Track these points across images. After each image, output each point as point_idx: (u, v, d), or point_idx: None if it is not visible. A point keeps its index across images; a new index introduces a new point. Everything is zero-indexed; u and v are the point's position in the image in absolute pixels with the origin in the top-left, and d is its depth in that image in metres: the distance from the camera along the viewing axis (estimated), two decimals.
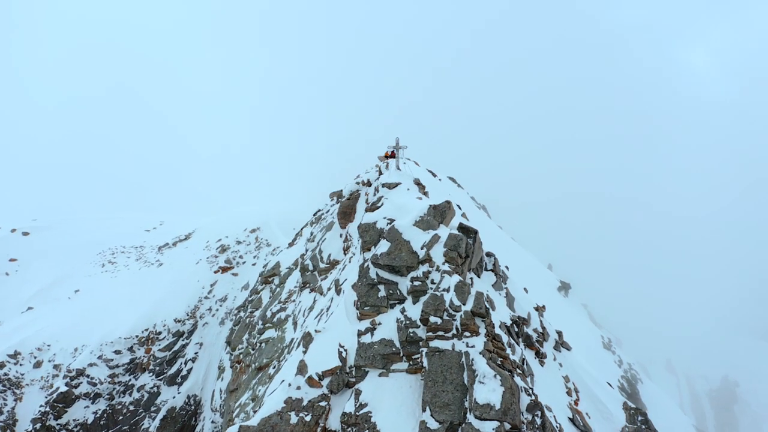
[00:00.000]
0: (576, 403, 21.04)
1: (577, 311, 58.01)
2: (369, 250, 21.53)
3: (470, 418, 15.00)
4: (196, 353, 55.19)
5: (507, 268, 26.51)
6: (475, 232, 20.86)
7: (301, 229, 43.44)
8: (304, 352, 19.38)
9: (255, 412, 22.03)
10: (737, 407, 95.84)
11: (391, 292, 19.17)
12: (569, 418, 19.74)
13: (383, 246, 19.76)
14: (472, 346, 16.55)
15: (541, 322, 22.95)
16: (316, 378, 17.87)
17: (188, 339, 55.97)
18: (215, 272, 63.73)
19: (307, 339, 19.90)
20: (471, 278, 20.39)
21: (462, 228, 20.97)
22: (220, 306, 59.78)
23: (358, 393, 17.32)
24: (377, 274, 19.54)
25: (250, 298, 46.86)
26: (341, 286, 23.42)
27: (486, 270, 22.49)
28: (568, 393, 21.28)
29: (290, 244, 40.40)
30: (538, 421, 15.94)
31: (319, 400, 17.52)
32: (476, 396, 15.16)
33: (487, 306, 17.58)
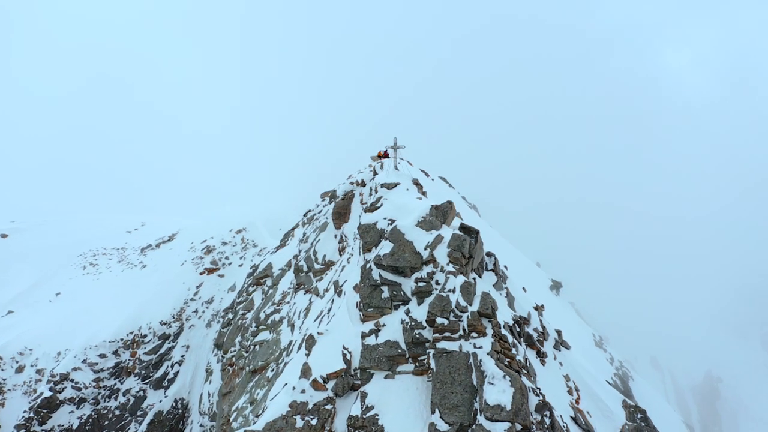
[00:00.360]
0: (577, 402, 21.10)
1: (568, 310, 58.55)
2: (370, 251, 21.37)
3: (480, 419, 14.92)
4: (182, 356, 54.42)
5: (506, 267, 26.55)
6: (477, 232, 20.82)
7: (292, 229, 43.07)
8: (307, 355, 19.13)
9: (256, 416, 21.71)
10: (719, 403, 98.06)
11: (394, 293, 19.03)
12: (571, 417, 19.79)
13: (386, 247, 19.60)
14: (480, 347, 16.48)
15: (540, 321, 23.00)
16: (321, 381, 17.66)
17: (174, 342, 55.17)
18: (201, 274, 62.91)
19: (309, 341, 19.65)
20: (473, 278, 20.32)
21: (463, 228, 20.91)
22: (207, 308, 59.02)
23: (364, 395, 17.14)
24: (380, 275, 19.38)
25: (238, 300, 46.29)
26: (342, 288, 23.19)
27: (487, 270, 22.46)
28: (569, 392, 21.33)
29: (281, 245, 39.98)
30: (547, 421, 15.93)
31: (324, 403, 17.31)
32: (486, 397, 15.08)
33: (493, 306, 17.53)
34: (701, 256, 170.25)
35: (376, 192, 24.69)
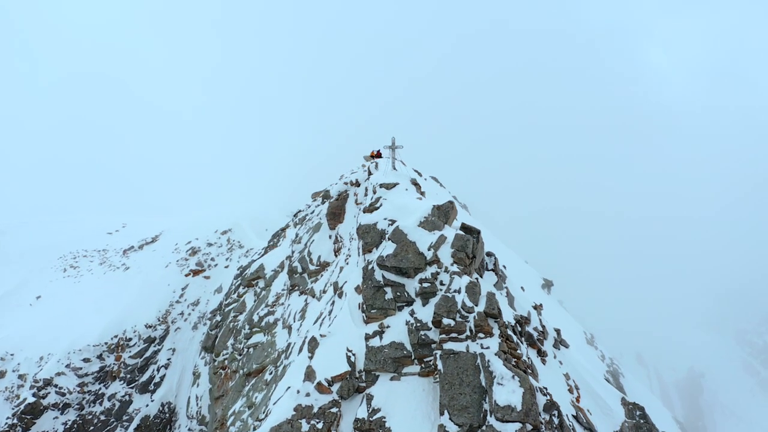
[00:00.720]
0: (578, 400, 21.20)
1: (560, 308, 59.03)
2: (370, 251, 21.20)
3: (491, 420, 14.87)
4: (168, 359, 53.58)
5: (504, 267, 26.58)
6: (478, 232, 20.80)
7: (282, 230, 42.68)
8: (310, 358, 18.93)
9: (257, 420, 21.43)
10: (702, 398, 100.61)
11: (398, 294, 18.89)
12: (573, 416, 19.87)
13: (388, 248, 19.44)
14: (487, 347, 16.43)
15: (540, 320, 23.04)
16: (326, 384, 17.49)
17: (160, 345, 54.29)
18: (186, 275, 61.98)
19: (312, 344, 19.43)
20: (476, 278, 20.27)
21: (465, 228, 20.87)
22: (193, 310, 58.20)
23: (369, 398, 16.98)
24: (383, 276, 19.22)
25: (227, 302, 45.76)
26: (342, 289, 22.98)
27: (487, 270, 22.43)
28: (570, 390, 21.41)
29: (272, 246, 39.58)
30: (555, 420, 15.95)
31: (329, 406, 17.13)
32: (496, 398, 15.04)
33: (500, 307, 17.50)
34: (685, 258, 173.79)
35: (375, 192, 24.50)
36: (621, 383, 45.36)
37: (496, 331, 16.97)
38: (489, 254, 23.00)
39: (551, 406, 16.10)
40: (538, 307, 24.12)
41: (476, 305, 17.29)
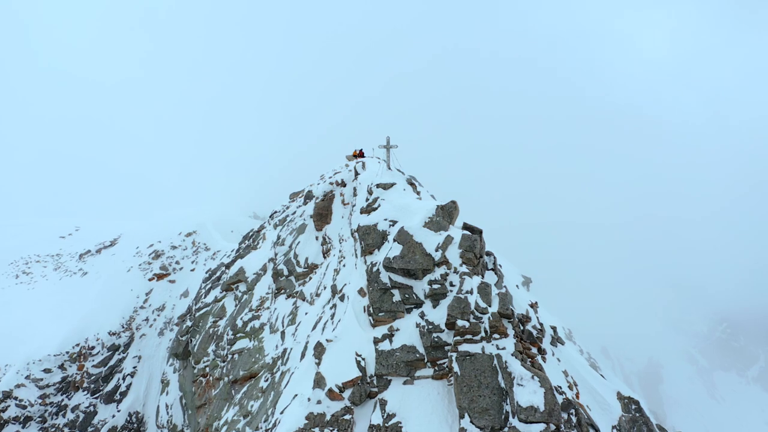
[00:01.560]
0: (577, 397, 21.41)
1: (541, 305, 59.85)
2: (371, 253, 20.82)
3: (514, 421, 14.78)
4: (134, 367, 51.58)
5: (500, 266, 26.58)
6: (480, 232, 20.72)
7: (258, 231, 41.53)
8: (318, 364, 18.40)
9: (257, 429, 20.71)
10: (662, 387, 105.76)
11: (406, 296, 18.60)
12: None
13: (395, 249, 19.11)
14: (503, 348, 16.34)
15: (537, 318, 23.18)
16: (337, 390, 17.00)
17: (125, 352, 52.19)
18: (150, 280, 59.74)
19: (318, 349, 18.90)
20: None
21: (467, 227, 20.76)
22: (158, 315, 56.18)
23: (383, 403, 16.64)
24: (390, 278, 18.88)
25: (197, 306, 44.29)
26: (342, 292, 22.47)
27: (487, 269, 22.36)
28: (570, 387, 21.61)
29: (252, 247, 38.44)
30: (574, 419, 16.00)
31: (342, 413, 16.68)
32: (518, 399, 14.96)
33: (512, 307, 17.45)
34: (645, 257, 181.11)
35: (371, 193, 24.04)
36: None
37: (510, 332, 16.91)
38: (488, 254, 22.95)
39: (568, 404, 16.16)
40: (534, 305, 24.30)
41: (489, 306, 17.18)
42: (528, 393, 15.05)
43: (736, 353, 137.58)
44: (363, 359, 17.78)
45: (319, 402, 16.84)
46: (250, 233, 45.30)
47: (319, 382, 17.33)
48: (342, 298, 21.99)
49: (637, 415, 22.78)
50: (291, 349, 24.05)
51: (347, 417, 16.60)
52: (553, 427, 14.57)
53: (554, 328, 24.26)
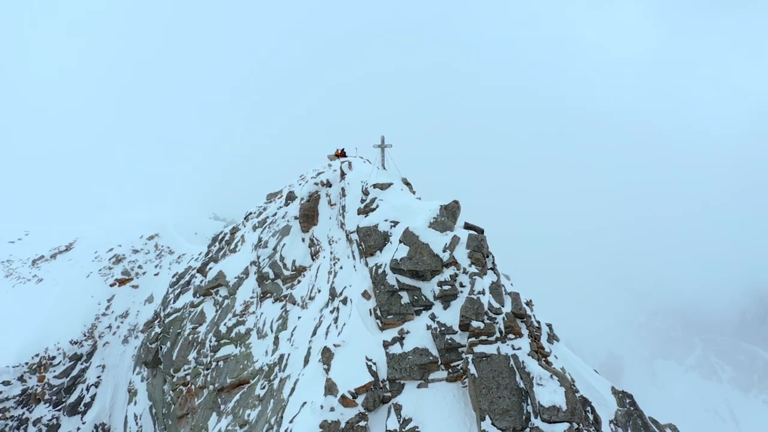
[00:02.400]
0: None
1: None
2: (373, 254, 20.45)
3: (536, 422, 14.71)
4: (98, 377, 49.45)
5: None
6: (482, 231, 20.64)
7: (232, 233, 40.28)
8: (327, 370, 17.90)
9: None
10: (623, 379, 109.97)
11: (415, 298, 18.32)
12: None
13: (401, 250, 18.80)
14: (519, 348, 16.27)
15: (533, 316, 23.32)
16: (350, 396, 16.57)
17: (88, 362, 49.94)
18: (111, 285, 57.37)
19: (326, 355, 18.39)
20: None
21: (469, 227, 20.65)
22: (122, 322, 54.05)
23: (398, 408, 16.33)
24: (397, 280, 18.56)
25: (166, 312, 42.69)
26: (344, 295, 21.94)
27: (488, 269, 22.34)
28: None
29: (232, 250, 37.21)
30: (590, 416, 16.10)
31: (357, 420, 16.27)
32: (539, 399, 14.90)
33: (525, 306, 17.42)
34: (606, 258, 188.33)
35: (367, 193, 23.61)
36: None
37: (524, 332, 16.87)
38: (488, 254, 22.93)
39: (585, 402, 16.25)
40: (530, 303, 24.40)
41: (503, 306, 17.10)
42: (549, 392, 15.01)
43: (673, 342, 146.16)
44: (374, 363, 17.39)
45: (332, 409, 16.37)
46: (221, 235, 43.87)
47: (330, 388, 16.84)
48: (344, 302, 21.50)
49: (632, 408, 23.19)
50: (289, 354, 23.37)
51: (362, 423, 16.20)
52: (575, 425, 14.58)
53: (549, 326, 24.45)
